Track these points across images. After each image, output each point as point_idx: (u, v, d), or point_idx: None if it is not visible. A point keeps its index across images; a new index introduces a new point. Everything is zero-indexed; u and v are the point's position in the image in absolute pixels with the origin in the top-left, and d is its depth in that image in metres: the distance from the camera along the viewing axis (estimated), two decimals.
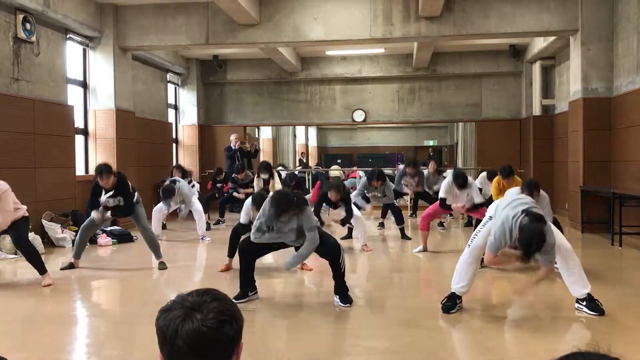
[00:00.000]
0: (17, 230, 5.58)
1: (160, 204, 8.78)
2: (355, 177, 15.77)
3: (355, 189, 9.51)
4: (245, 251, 4.91)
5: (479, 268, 5.66)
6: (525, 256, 3.93)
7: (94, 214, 6.32)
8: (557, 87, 11.93)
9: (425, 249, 7.38)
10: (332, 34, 9.56)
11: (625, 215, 7.53)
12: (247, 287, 4.91)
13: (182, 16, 9.77)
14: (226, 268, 6.25)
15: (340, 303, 4.74)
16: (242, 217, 6.39)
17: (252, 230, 4.83)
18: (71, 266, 6.46)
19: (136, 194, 6.57)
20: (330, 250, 4.79)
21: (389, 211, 9.05)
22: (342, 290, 4.80)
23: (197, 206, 8.80)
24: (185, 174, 10.02)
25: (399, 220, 8.53)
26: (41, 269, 5.63)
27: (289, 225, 4.71)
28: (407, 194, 9.99)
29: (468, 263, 4.49)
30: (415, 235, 8.78)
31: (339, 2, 9.49)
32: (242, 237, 5.74)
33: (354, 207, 7.66)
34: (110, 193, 6.29)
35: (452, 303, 4.48)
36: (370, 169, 9.16)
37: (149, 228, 6.67)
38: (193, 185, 9.63)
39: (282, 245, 5.01)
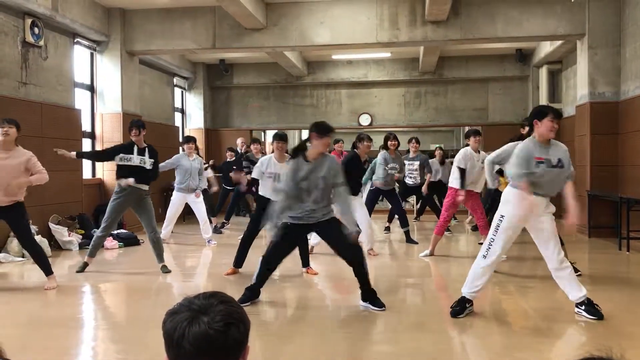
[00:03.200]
0: (19, 228, 5.52)
1: (175, 198, 8.69)
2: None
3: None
4: (270, 261, 4.82)
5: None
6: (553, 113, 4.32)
7: (124, 181, 6.24)
8: (564, 91, 11.89)
9: (432, 253, 7.35)
10: (338, 38, 9.57)
11: (632, 220, 7.49)
12: (254, 291, 4.87)
13: (188, 20, 9.81)
14: (232, 272, 6.25)
15: (373, 307, 4.69)
16: (255, 172, 6.26)
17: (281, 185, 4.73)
18: (85, 265, 6.49)
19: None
20: (352, 249, 4.72)
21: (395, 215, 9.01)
22: (372, 295, 4.75)
23: (201, 207, 8.67)
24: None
25: (404, 223, 8.47)
26: (47, 270, 5.63)
27: (319, 172, 4.60)
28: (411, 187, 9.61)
29: (482, 269, 4.46)
30: (421, 239, 8.75)
31: (345, 6, 9.50)
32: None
33: (361, 212, 7.57)
34: (145, 153, 6.35)
35: (461, 307, 4.47)
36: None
37: (157, 230, 6.57)
38: (207, 168, 9.40)
39: (305, 231, 4.94)
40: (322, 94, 14.23)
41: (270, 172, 6.06)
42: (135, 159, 6.33)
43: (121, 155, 6.36)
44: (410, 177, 9.57)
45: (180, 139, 13.54)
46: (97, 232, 6.66)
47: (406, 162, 9.31)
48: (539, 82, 12.61)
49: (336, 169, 4.68)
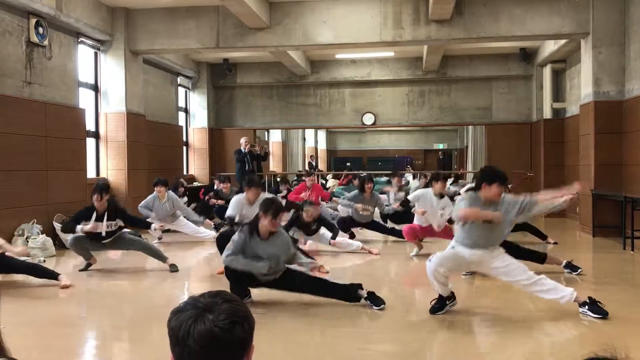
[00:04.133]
0: (10, 264, 5.64)
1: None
2: (343, 185, 15.29)
3: (337, 216, 9.06)
4: (235, 278, 4.82)
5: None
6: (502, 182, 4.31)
7: (84, 226, 6.05)
8: (568, 90, 11.86)
9: (420, 248, 7.37)
10: (342, 37, 9.57)
11: (637, 219, 7.46)
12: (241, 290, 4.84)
13: (192, 20, 9.83)
14: (222, 272, 6.28)
15: (374, 307, 4.68)
16: (231, 210, 6.38)
17: (226, 252, 4.63)
18: (89, 265, 6.52)
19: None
20: (302, 285, 4.77)
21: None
22: (370, 296, 4.74)
23: (187, 228, 8.77)
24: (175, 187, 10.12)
25: (400, 236, 8.34)
26: (53, 276, 5.67)
27: (268, 250, 4.60)
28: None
29: (429, 274, 4.47)
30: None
31: (349, 5, 9.50)
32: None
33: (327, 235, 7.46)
34: (106, 216, 6.17)
35: (440, 304, 4.50)
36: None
37: (147, 244, 6.69)
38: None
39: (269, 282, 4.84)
40: (325, 93, 14.23)
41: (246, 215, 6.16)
42: (95, 224, 6.08)
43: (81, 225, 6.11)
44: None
45: (184, 138, 13.61)
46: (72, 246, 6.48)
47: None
48: (543, 81, 12.58)
49: (288, 244, 4.77)
